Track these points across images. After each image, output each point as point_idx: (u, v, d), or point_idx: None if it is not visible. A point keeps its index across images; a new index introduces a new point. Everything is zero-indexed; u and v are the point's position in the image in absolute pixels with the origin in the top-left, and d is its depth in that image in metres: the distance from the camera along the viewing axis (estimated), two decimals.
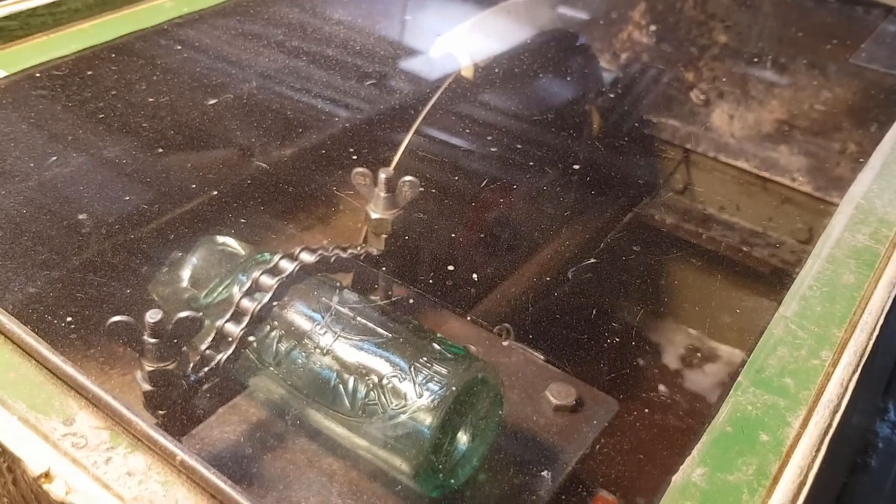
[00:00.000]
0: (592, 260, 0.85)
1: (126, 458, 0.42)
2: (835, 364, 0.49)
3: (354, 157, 0.87)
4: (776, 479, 0.42)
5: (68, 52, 0.76)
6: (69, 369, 0.45)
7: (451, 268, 0.81)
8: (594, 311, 0.87)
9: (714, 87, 1.26)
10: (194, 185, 0.73)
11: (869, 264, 0.59)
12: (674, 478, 0.44)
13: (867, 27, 0.98)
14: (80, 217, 0.65)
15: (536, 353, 0.69)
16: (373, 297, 0.70)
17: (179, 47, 0.83)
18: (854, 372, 0.47)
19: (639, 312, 0.99)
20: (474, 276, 0.82)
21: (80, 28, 0.81)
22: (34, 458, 0.40)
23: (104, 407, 0.44)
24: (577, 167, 1.07)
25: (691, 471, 0.44)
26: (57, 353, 0.46)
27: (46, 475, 0.40)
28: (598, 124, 1.20)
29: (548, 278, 0.93)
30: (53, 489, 0.39)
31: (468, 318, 0.73)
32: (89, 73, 0.76)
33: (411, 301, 0.72)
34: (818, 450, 0.42)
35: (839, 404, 0.45)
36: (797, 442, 0.44)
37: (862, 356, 0.48)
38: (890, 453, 0.78)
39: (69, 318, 0.58)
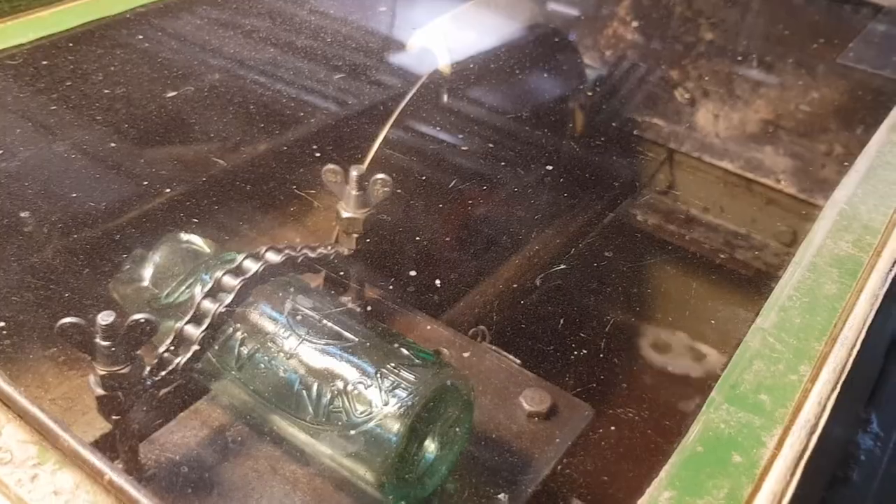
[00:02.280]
0: (562, 266, 0.83)
1: (53, 475, 0.40)
2: (813, 380, 0.47)
3: (325, 155, 0.85)
4: None
5: (25, 41, 0.73)
6: None
7: (425, 269, 0.79)
8: (573, 316, 0.86)
9: (699, 85, 1.24)
10: (146, 182, 0.70)
11: (851, 273, 0.57)
12: (639, 502, 0.42)
13: (855, 26, 0.96)
14: (23, 215, 0.62)
15: (511, 357, 0.67)
16: (343, 299, 0.68)
17: (141, 37, 0.80)
18: (833, 389, 0.45)
19: (619, 317, 0.97)
20: (440, 279, 0.79)
21: (39, 16, 0.78)
22: None
23: (32, 420, 0.41)
24: (557, 166, 1.05)
25: (658, 494, 0.42)
26: None
27: None
28: (580, 122, 1.18)
29: (525, 280, 0.91)
30: None
31: (443, 321, 0.71)
32: (45, 62, 0.73)
33: (383, 303, 0.70)
34: (793, 474, 0.40)
35: (816, 424, 0.42)
36: (771, 464, 0.42)
37: (841, 373, 0.46)
38: (872, 466, 0.76)
39: (1, 324, 0.55)
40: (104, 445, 0.55)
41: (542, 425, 0.61)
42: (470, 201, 0.95)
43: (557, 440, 0.60)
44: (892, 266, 0.55)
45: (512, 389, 0.63)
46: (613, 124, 1.24)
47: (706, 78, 1.22)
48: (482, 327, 0.77)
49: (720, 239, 1.18)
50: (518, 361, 0.67)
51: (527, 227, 0.96)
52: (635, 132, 1.24)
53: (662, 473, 0.43)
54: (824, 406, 0.44)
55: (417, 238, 0.84)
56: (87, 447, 0.39)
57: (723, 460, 0.44)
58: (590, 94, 1.21)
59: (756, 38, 1.15)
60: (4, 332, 0.54)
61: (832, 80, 1.02)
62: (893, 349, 0.87)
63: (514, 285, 0.91)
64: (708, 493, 0.42)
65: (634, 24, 1.25)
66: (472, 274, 0.88)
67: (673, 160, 1.25)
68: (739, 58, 1.17)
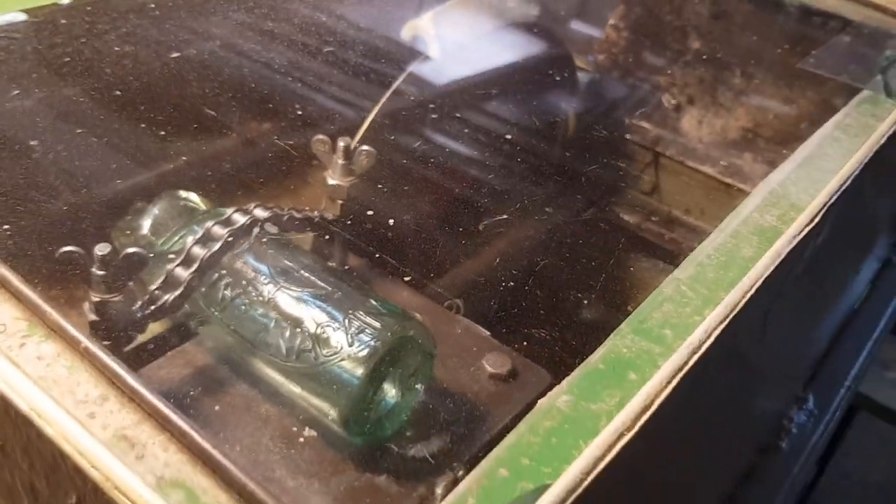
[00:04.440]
0: (505, 216, 0.88)
1: (39, 345, 0.46)
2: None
3: (317, 128, 0.91)
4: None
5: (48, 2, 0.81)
6: None
7: (407, 242, 0.83)
8: (544, 298, 0.90)
9: (684, 92, 1.30)
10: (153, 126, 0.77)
11: (770, 241, 0.62)
12: (539, 401, 0.48)
13: (823, 38, 1.02)
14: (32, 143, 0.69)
15: (482, 329, 0.71)
16: (326, 261, 0.73)
17: (153, 5, 0.87)
18: (721, 323, 0.51)
19: (590, 302, 1.02)
20: (421, 253, 0.84)
21: None
22: None
23: (26, 301, 0.48)
24: (543, 159, 1.10)
25: (557, 397, 0.48)
26: None
27: None
28: (568, 120, 1.23)
29: (503, 264, 0.96)
30: None
31: (420, 293, 0.76)
32: (63, 21, 0.80)
33: (364, 268, 0.75)
34: (668, 383, 0.46)
35: (699, 347, 0.48)
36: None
37: (732, 310, 0.52)
38: (802, 438, 0.82)
39: (5, 226, 0.62)
40: None
41: (502, 386, 0.66)
42: (453, 182, 1.00)
43: (514, 399, 0.65)
44: (802, 229, 0.61)
45: (477, 354, 0.68)
46: (601, 125, 1.29)
47: (692, 85, 1.27)
48: (457, 300, 0.81)
49: (695, 237, 1.23)
50: (487, 333, 0.72)
51: (505, 213, 1.00)
52: (622, 134, 1.29)
53: (563, 383, 0.49)
54: (710, 334, 0.49)
55: (397, 211, 0.88)
56: (68, 321, 0.46)
57: (620, 377, 0.49)
58: (583, 94, 1.27)
59: (729, 47, 1.21)
60: (8, 232, 0.61)
61: (802, 87, 1.08)
62: (837, 338, 0.92)
63: (493, 267, 0.96)
64: (602, 400, 0.47)
65: (625, 30, 1.31)
66: (447, 250, 0.93)
67: (658, 163, 1.30)
68: (722, 66, 1.23)
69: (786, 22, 1.19)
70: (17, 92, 0.75)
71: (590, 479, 0.40)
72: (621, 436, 0.42)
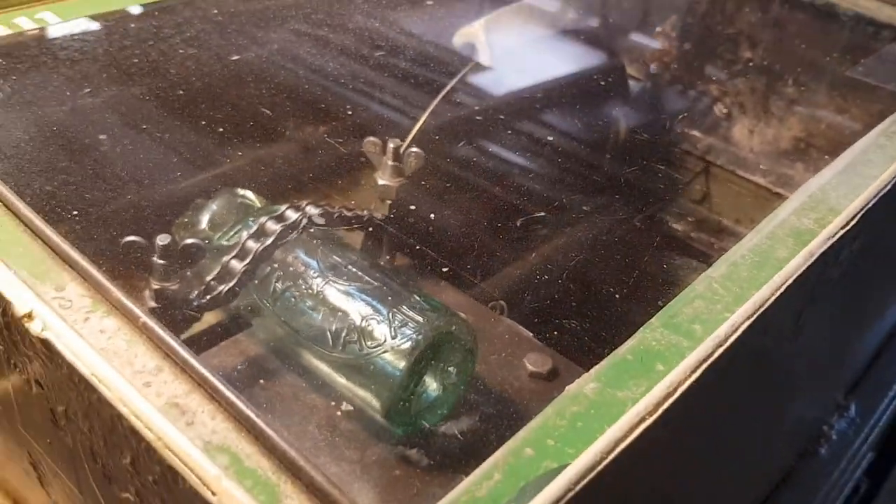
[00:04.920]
0: (542, 213, 0.90)
1: (101, 320, 0.50)
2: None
3: (370, 131, 0.94)
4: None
5: (119, 7, 0.86)
6: (67, 248, 0.53)
7: (454, 242, 0.86)
8: (589, 302, 0.91)
9: (736, 101, 1.30)
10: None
11: (805, 243, 0.63)
12: (567, 387, 0.50)
13: (877, 48, 1.02)
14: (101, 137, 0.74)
15: (525, 330, 0.73)
16: (374, 258, 0.76)
17: (215, 11, 0.92)
18: (748, 318, 0.52)
19: (630, 304, 1.03)
20: (466, 254, 0.86)
21: None
22: (23, 303, 0.49)
23: (91, 280, 0.52)
24: (591, 167, 1.12)
25: (585, 384, 0.49)
26: (59, 234, 0.54)
27: (29, 315, 0.48)
28: (618, 128, 1.24)
29: (549, 267, 0.97)
30: (32, 326, 0.47)
31: (465, 292, 0.78)
32: (132, 25, 0.86)
33: (410, 266, 0.77)
34: (693, 372, 0.47)
35: (725, 340, 0.50)
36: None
37: (761, 306, 0.53)
38: (842, 445, 0.81)
39: (75, 212, 0.66)
40: None
41: (542, 385, 0.68)
42: (500, 187, 1.02)
43: (554, 399, 0.67)
44: (837, 231, 0.61)
45: (519, 353, 0.70)
46: (652, 133, 1.30)
47: (743, 94, 1.27)
48: (501, 302, 0.82)
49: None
50: (530, 334, 0.73)
51: (555, 218, 1.02)
52: (672, 142, 1.30)
53: (591, 372, 0.50)
54: (737, 328, 0.51)
55: (449, 213, 0.91)
56: (129, 298, 0.50)
57: (647, 368, 0.50)
58: (634, 102, 1.28)
59: (782, 56, 1.21)
60: (77, 218, 0.66)
61: (843, 94, 1.07)
62: (883, 349, 0.91)
63: (539, 271, 0.98)
64: (628, 388, 0.49)
65: (677, 39, 1.32)
66: (493, 251, 0.95)
67: (709, 172, 1.30)
68: (774, 76, 1.23)
69: (839, 31, 1.18)
70: (88, 90, 0.80)
71: (609, 458, 0.42)
72: (643, 419, 0.44)
